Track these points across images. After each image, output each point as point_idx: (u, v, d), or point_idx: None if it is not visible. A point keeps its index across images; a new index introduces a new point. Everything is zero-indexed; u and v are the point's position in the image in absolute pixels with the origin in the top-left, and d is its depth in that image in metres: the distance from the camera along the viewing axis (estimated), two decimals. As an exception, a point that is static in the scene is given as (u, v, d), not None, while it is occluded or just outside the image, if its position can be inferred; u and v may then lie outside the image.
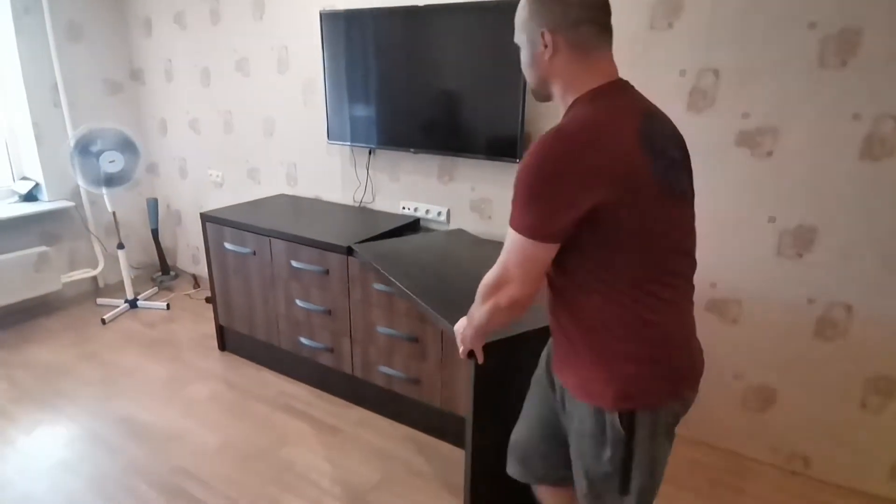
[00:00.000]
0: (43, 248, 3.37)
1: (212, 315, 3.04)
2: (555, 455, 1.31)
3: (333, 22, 2.63)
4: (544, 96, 1.16)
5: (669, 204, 1.02)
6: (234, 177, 3.53)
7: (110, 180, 3.31)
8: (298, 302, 2.58)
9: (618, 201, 0.96)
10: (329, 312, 2.49)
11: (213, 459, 2.23)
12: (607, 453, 1.11)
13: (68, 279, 3.59)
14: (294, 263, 2.52)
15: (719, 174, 2.03)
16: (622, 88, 1.06)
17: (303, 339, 2.63)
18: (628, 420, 1.07)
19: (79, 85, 3.53)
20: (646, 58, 2.06)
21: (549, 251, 1.02)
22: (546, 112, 2.30)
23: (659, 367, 1.08)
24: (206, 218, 2.81)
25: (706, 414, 2.29)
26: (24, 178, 3.54)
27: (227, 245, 2.75)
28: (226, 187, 3.60)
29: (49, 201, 3.49)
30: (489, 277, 1.12)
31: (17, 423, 2.44)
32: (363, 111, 2.68)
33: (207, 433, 2.38)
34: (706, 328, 2.17)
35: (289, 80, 3.03)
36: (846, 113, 1.80)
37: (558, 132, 0.98)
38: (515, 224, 1.02)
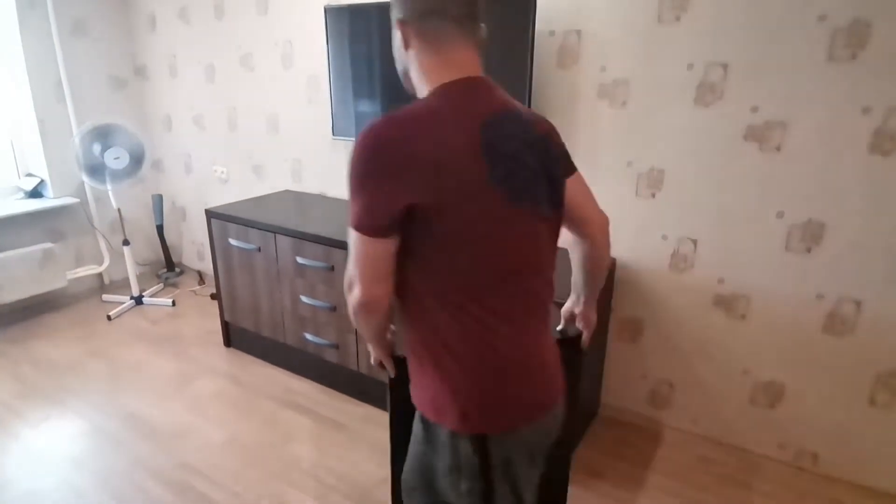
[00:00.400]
0: (48, 245, 3.37)
1: (217, 311, 3.04)
2: (430, 493, 1.16)
3: (338, 17, 2.62)
4: (409, 89, 1.09)
5: (512, 215, 0.95)
6: (239, 173, 3.52)
7: (115, 176, 3.32)
8: (304, 298, 2.57)
9: (437, 203, 0.89)
10: (334, 309, 2.49)
11: (219, 455, 2.23)
12: (464, 485, 1.03)
13: (74, 276, 3.60)
14: (299, 260, 2.51)
15: (727, 169, 2.02)
16: (476, 85, 0.98)
17: (308, 336, 2.63)
18: (480, 445, 1.00)
19: (83, 81, 3.52)
20: (653, 52, 2.04)
21: (381, 247, 0.93)
22: (551, 106, 2.29)
23: (505, 389, 1.00)
24: (210, 214, 2.81)
25: (714, 410, 2.29)
26: (30, 175, 3.54)
27: (232, 241, 2.75)
28: (230, 183, 3.59)
29: (54, 198, 3.49)
30: (345, 278, 1.03)
31: (24, 419, 2.45)
32: (368, 106, 2.67)
33: (213, 429, 2.39)
34: (714, 324, 2.17)
35: (293, 76, 3.02)
36: (856, 107, 1.78)
37: (386, 119, 0.91)
38: (349, 216, 0.94)
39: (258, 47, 3.10)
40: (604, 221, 1.20)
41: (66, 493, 2.03)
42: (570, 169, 1.11)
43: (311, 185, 3.19)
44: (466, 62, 0.99)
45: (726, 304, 2.15)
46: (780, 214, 1.97)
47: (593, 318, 1.37)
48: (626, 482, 2.09)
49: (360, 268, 0.96)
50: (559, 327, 1.39)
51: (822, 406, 2.07)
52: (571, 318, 1.38)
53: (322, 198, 3.08)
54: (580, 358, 1.40)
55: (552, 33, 2.22)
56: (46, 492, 2.04)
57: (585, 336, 1.37)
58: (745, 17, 1.87)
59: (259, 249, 2.66)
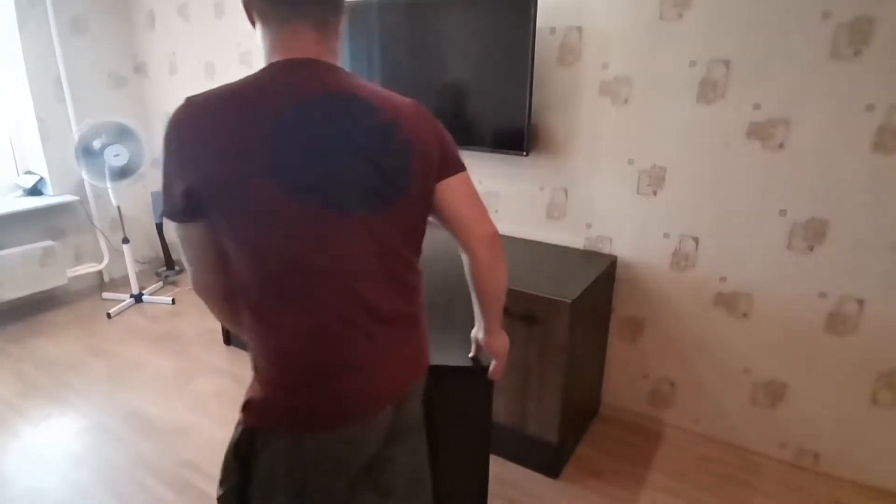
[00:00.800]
0: (48, 243, 3.37)
1: (217, 309, 3.03)
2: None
3: (338, 14, 2.60)
4: None
5: (295, 210, 0.85)
6: (239, 171, 3.51)
7: (115, 174, 3.31)
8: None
9: (209, 189, 0.85)
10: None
11: (219, 453, 2.20)
12: (233, 478, 1.00)
13: (74, 274, 3.60)
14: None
15: (729, 167, 2.01)
16: (300, 66, 0.91)
17: (308, 334, 2.61)
18: (249, 440, 0.97)
19: (83, 79, 3.51)
20: (655, 49, 2.03)
21: (188, 232, 0.91)
22: (555, 104, 2.28)
23: (279, 392, 0.95)
24: (211, 212, 2.80)
25: (715, 409, 2.28)
26: (29, 173, 3.53)
27: (233, 239, 2.74)
28: (230, 181, 3.58)
29: (54, 196, 3.48)
30: None
31: (25, 417, 2.44)
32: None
33: (214, 427, 2.38)
34: (715, 322, 2.16)
35: (293, 73, 3.01)
36: (859, 104, 1.77)
37: (188, 99, 0.87)
38: None
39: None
40: (486, 234, 1.06)
41: (67, 491, 2.03)
42: (445, 168, 1.01)
43: (311, 183, 3.17)
44: (298, 43, 0.92)
45: (728, 302, 2.14)
46: (782, 212, 1.97)
47: (498, 348, 1.23)
48: (627, 481, 2.09)
49: (183, 250, 0.95)
50: (471, 354, 1.29)
51: (823, 405, 2.06)
52: (481, 345, 1.27)
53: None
54: (489, 389, 1.31)
55: (553, 30, 2.21)
56: (47, 490, 2.04)
57: (492, 367, 1.25)
58: (748, 14, 1.86)
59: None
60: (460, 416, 1.33)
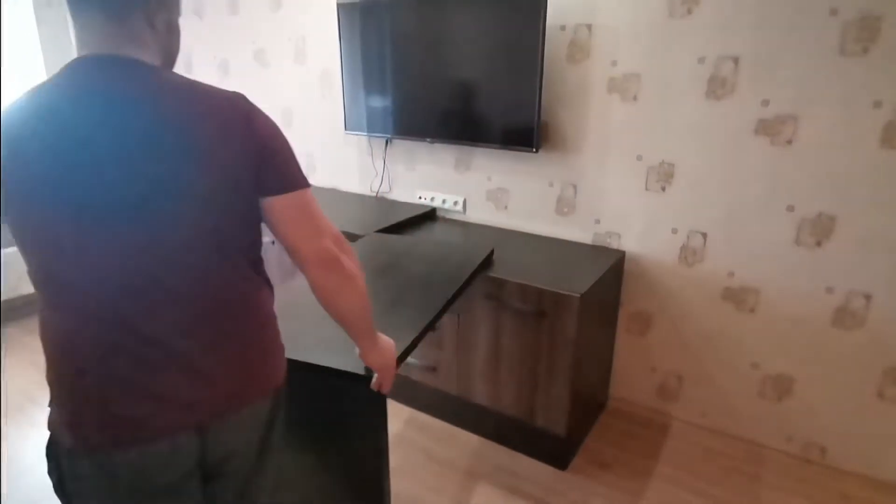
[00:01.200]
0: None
1: (231, 303, 3.07)
2: None
3: (350, 12, 2.64)
4: None
5: (59, 223, 0.82)
6: (252, 167, 3.55)
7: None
8: (316, 290, 2.60)
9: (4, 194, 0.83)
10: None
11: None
12: (52, 474, 0.97)
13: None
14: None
15: (738, 162, 2.02)
16: (80, 67, 0.86)
17: (320, 327, 2.65)
18: (54, 445, 0.94)
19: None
20: (664, 45, 2.05)
21: None
22: (564, 101, 2.30)
23: (55, 402, 0.92)
24: (225, 207, 2.84)
25: (722, 403, 2.30)
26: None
27: (246, 234, 2.78)
28: (243, 177, 3.62)
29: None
30: None
31: (44, 407, 2.49)
32: (380, 101, 2.69)
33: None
34: (723, 317, 2.18)
35: (306, 71, 3.05)
36: (867, 101, 1.78)
37: (8, 104, 0.87)
38: None
39: (272, 42, 3.13)
40: (317, 257, 0.97)
41: (87, 479, 2.08)
42: (266, 183, 0.93)
43: (323, 179, 3.22)
44: (93, 36, 0.87)
45: (736, 297, 2.16)
46: (790, 208, 1.98)
47: (375, 362, 1.17)
48: (634, 473, 2.12)
49: None
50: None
51: (830, 399, 2.08)
52: None
53: (334, 192, 3.12)
54: (380, 397, 1.31)
55: (563, 27, 2.23)
56: (67, 477, 2.09)
57: (375, 380, 1.21)
58: (757, 11, 1.88)
59: (273, 243, 2.68)
60: (358, 418, 1.37)
